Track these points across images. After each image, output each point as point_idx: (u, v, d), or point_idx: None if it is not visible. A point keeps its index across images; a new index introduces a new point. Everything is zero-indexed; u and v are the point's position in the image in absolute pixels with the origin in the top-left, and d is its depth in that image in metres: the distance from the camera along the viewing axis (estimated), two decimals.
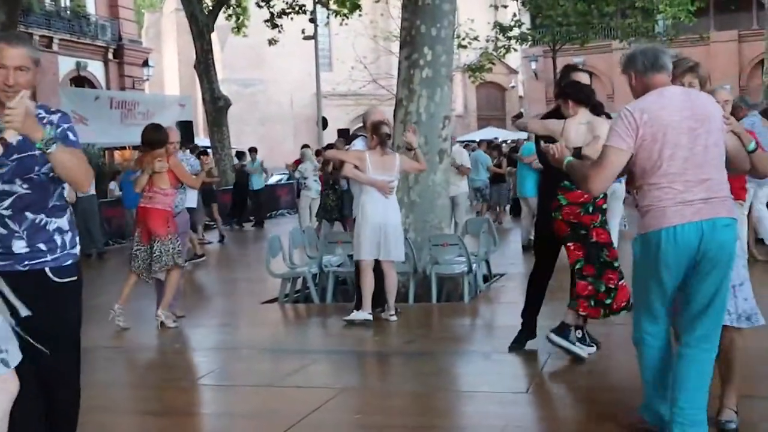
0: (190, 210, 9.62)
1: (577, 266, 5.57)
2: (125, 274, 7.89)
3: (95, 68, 29.62)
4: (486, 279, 9.16)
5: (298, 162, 16.36)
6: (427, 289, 8.23)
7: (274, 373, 6.06)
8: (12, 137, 3.12)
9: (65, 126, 3.32)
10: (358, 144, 7.87)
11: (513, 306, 6.78)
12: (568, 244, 5.59)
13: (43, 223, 3.35)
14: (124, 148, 21.41)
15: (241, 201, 19.56)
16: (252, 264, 13.27)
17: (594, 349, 5.84)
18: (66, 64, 28.01)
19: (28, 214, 3.31)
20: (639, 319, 4.06)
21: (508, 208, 18.18)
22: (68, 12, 28.43)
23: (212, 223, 17.09)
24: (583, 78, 5.93)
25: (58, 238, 3.38)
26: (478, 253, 8.90)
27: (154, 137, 7.68)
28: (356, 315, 7.26)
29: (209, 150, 19.77)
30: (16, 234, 3.30)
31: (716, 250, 3.72)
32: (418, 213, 8.55)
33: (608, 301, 5.53)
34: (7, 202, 3.28)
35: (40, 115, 3.25)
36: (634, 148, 3.77)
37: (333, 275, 8.62)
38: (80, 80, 28.86)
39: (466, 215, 12.54)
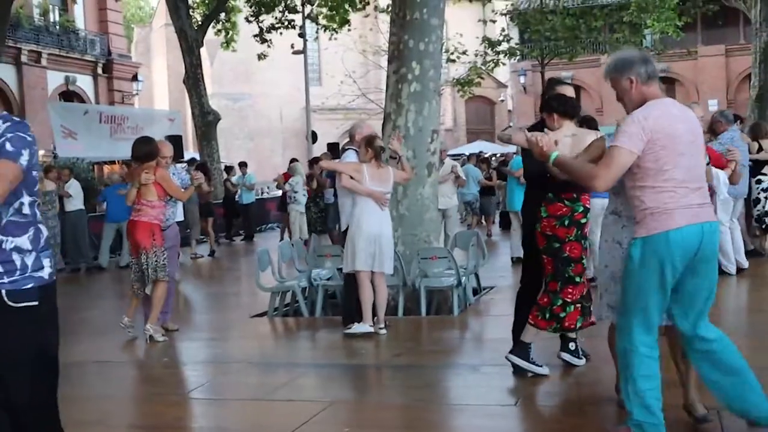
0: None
1: (547, 279, 5.58)
2: (113, 289, 7.89)
3: (84, 83, 29.64)
4: (475, 292, 9.18)
5: (288, 176, 16.40)
6: (416, 302, 8.26)
7: (264, 387, 6.06)
8: None
9: (9, 135, 3.07)
10: (351, 156, 7.88)
11: (502, 319, 6.79)
12: (543, 256, 5.58)
13: None
14: (113, 162, 21.36)
15: (230, 215, 19.60)
16: (242, 278, 13.28)
17: (584, 361, 5.86)
18: (55, 79, 28.02)
19: None
20: (630, 328, 4.04)
21: (497, 220, 18.28)
22: (57, 27, 28.45)
23: (204, 237, 17.11)
24: (568, 91, 5.96)
25: (16, 259, 3.11)
26: (467, 267, 8.93)
27: (143, 150, 7.70)
28: (357, 328, 7.26)
29: (205, 164, 19.76)
30: None
31: (711, 249, 4.02)
32: (407, 226, 8.57)
33: (562, 315, 5.50)
34: None
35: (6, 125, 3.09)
36: (641, 152, 3.90)
37: (322, 289, 8.63)
38: (69, 95, 28.86)
39: (456, 228, 12.59)
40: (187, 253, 14.90)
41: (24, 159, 3.07)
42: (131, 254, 7.73)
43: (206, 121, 23.83)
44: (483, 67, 31.46)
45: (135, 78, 31.30)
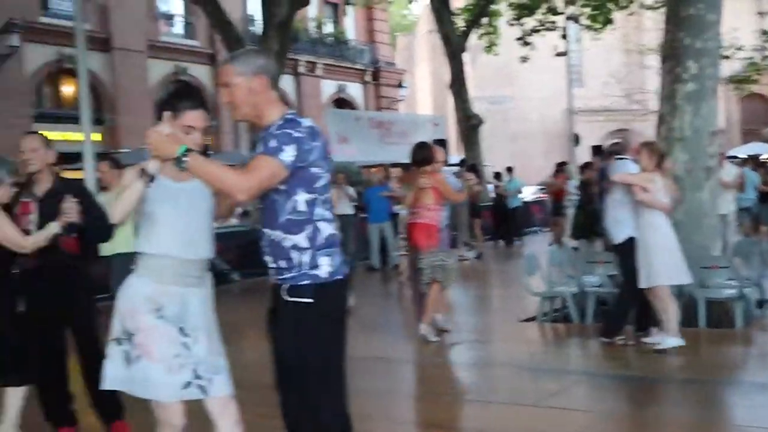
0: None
1: None
2: (384, 288, 8.19)
3: (354, 90, 31.19)
4: (760, 305, 8.56)
5: (563, 177, 16.17)
6: (693, 313, 7.84)
7: (534, 392, 6.03)
8: (152, 167, 3.37)
9: (275, 132, 3.12)
10: (630, 167, 7.49)
11: None
12: None
13: (277, 239, 3.20)
14: (378, 166, 22.25)
15: (498, 219, 19.71)
16: (508, 281, 13.30)
17: None
18: (328, 87, 29.74)
19: (265, 229, 3.25)
20: None
21: None
22: (330, 38, 30.14)
23: (471, 240, 17.27)
24: None
25: (294, 256, 3.17)
26: (750, 277, 8.35)
27: (420, 155, 7.96)
28: (666, 342, 6.95)
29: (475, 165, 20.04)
30: (265, 249, 3.27)
31: None
32: (684, 233, 8.15)
33: None
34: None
35: (269, 130, 3.16)
36: None
37: (593, 295, 8.44)
38: (341, 102, 30.49)
39: (735, 236, 11.83)
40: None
41: (287, 155, 3.05)
42: (410, 255, 7.99)
43: (470, 125, 24.16)
44: (763, 63, 29.28)
45: (400, 85, 32.45)
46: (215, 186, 3.14)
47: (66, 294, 4.86)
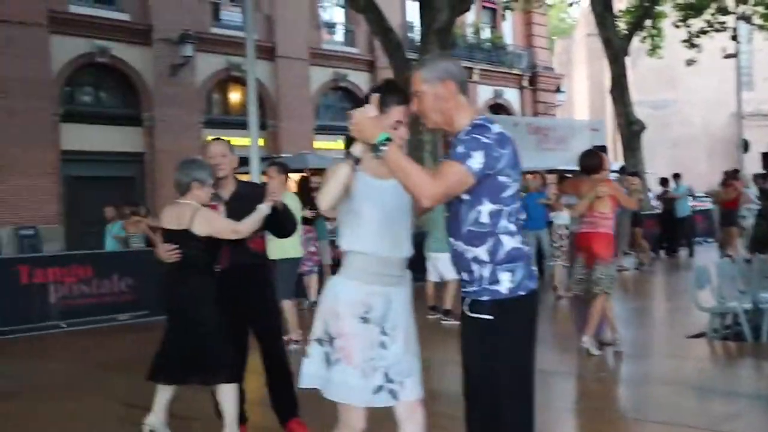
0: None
1: None
2: (545, 294, 8.02)
3: (511, 95, 30.94)
4: None
5: (733, 186, 15.44)
6: None
7: (706, 415, 5.75)
8: (357, 150, 3.22)
9: (463, 138, 3.03)
10: None
11: None
12: None
13: (460, 250, 3.13)
14: (534, 172, 21.95)
15: (666, 228, 18.99)
16: (672, 294, 12.81)
17: None
18: (485, 93, 29.63)
19: (450, 238, 3.18)
20: None
21: None
22: (487, 44, 30.03)
23: (631, 250, 16.72)
24: None
25: (475, 269, 3.09)
26: None
27: (591, 163, 7.80)
28: None
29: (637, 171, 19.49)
30: (452, 259, 3.22)
31: None
32: None
33: None
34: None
35: (458, 135, 3.09)
36: None
37: None
38: (497, 107, 30.30)
39: None
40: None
41: (475, 162, 2.95)
42: (583, 265, 7.79)
43: (631, 131, 23.51)
44: None
45: (558, 89, 31.93)
46: (403, 183, 3.00)
47: (256, 293, 5.02)
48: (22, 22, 17.81)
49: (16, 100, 17.72)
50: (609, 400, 6.49)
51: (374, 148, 3.03)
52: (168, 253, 4.77)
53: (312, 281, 11.39)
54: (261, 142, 19.82)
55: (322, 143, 23.86)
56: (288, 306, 8.48)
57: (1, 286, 10.57)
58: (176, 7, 20.57)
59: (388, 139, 3.01)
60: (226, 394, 4.74)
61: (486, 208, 3.04)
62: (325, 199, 3.28)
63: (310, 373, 3.42)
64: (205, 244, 4.74)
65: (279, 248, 7.83)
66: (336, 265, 4.62)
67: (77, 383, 7.54)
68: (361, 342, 3.34)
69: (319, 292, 10.59)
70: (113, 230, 13.77)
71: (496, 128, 3.05)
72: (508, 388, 3.07)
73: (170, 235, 4.82)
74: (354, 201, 3.38)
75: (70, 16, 19.08)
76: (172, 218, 4.84)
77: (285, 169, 8.39)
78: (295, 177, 12.82)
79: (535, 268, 3.22)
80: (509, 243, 3.08)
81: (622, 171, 18.18)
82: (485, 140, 2.98)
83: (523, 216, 3.21)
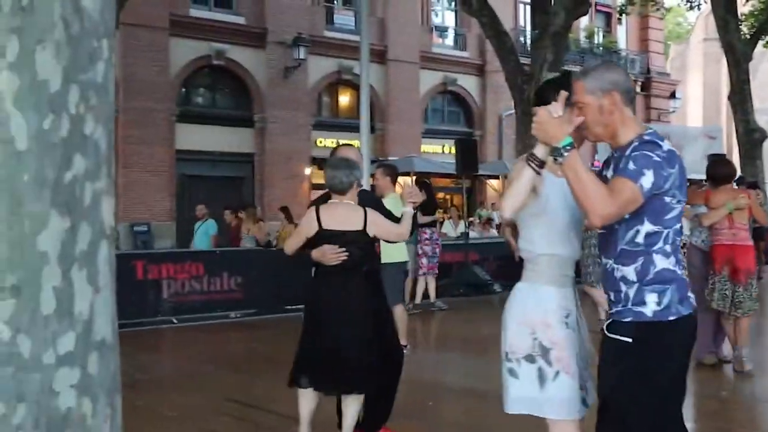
0: None
1: None
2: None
3: None
4: None
5: None
6: None
7: None
8: (540, 152, 3.00)
9: (633, 155, 2.86)
10: None
11: None
12: None
13: (610, 269, 2.99)
14: None
15: None
16: None
17: None
18: None
19: (602, 256, 3.07)
20: None
21: None
22: (600, 48, 29.42)
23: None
24: None
25: (622, 288, 2.94)
26: None
27: (723, 172, 7.49)
28: None
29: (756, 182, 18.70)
30: (602, 276, 3.11)
31: None
32: None
33: None
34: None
35: (626, 151, 2.91)
36: None
37: None
38: None
39: None
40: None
41: (645, 180, 2.78)
42: (729, 279, 7.40)
43: (751, 139, 22.58)
44: None
45: (673, 95, 30.99)
46: (577, 194, 2.79)
47: (383, 297, 4.97)
48: (146, 26, 18.44)
49: (137, 100, 18.36)
50: (729, 420, 6.18)
51: (555, 151, 2.86)
52: (335, 254, 4.58)
53: (422, 285, 11.37)
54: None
55: (429, 147, 23.84)
56: (399, 311, 8.31)
57: (119, 280, 10.87)
58: (291, 11, 20.94)
59: (571, 145, 2.85)
60: (356, 402, 4.65)
61: (645, 228, 2.89)
62: (510, 204, 3.09)
63: (520, 397, 3.21)
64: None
65: (385, 252, 7.77)
66: None
67: (184, 378, 7.67)
68: (572, 348, 3.18)
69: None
70: (208, 229, 13.80)
71: (666, 146, 2.89)
72: (636, 416, 2.89)
73: (335, 236, 4.60)
74: (546, 203, 3.23)
75: (190, 20, 19.67)
76: (334, 219, 4.63)
77: (392, 171, 8.34)
78: (404, 180, 12.80)
79: (692, 295, 2.99)
80: (661, 263, 2.91)
81: (740, 181, 17.46)
82: (656, 158, 2.81)
83: (681, 237, 3.03)
